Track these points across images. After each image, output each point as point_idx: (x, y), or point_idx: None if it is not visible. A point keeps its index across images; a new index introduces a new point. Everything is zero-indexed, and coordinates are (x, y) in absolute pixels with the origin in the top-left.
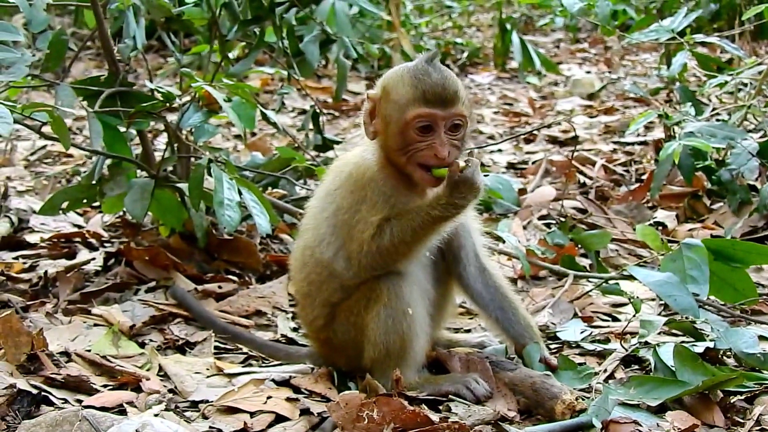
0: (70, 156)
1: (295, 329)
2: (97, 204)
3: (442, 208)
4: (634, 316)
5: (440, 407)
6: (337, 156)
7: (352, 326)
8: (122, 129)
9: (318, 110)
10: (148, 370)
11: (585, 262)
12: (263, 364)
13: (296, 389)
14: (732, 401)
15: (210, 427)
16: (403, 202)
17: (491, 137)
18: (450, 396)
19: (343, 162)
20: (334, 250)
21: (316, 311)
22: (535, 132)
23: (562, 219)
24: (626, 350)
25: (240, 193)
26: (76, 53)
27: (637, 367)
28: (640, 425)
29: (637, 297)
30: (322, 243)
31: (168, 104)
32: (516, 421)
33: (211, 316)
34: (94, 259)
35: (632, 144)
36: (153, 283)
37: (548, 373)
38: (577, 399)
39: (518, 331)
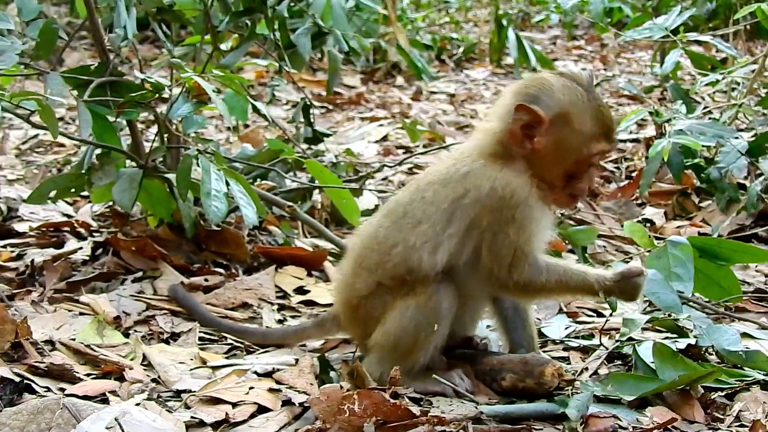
0: (62, 145)
1: (280, 321)
2: (86, 193)
3: (601, 287)
4: (610, 314)
5: (421, 401)
6: (328, 149)
7: (381, 304)
8: (112, 119)
9: (309, 103)
10: (132, 359)
11: (572, 257)
12: (246, 355)
13: (279, 381)
14: (712, 397)
15: (192, 417)
16: (546, 222)
17: None
18: (435, 395)
19: (473, 173)
20: (441, 257)
21: (367, 284)
22: None
23: None
24: (606, 349)
25: (228, 185)
26: (67, 42)
27: (620, 363)
28: (620, 420)
29: (614, 298)
30: (430, 248)
31: (158, 94)
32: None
33: (211, 315)
34: (81, 248)
35: (624, 141)
36: (140, 274)
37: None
38: (565, 370)
39: (520, 337)
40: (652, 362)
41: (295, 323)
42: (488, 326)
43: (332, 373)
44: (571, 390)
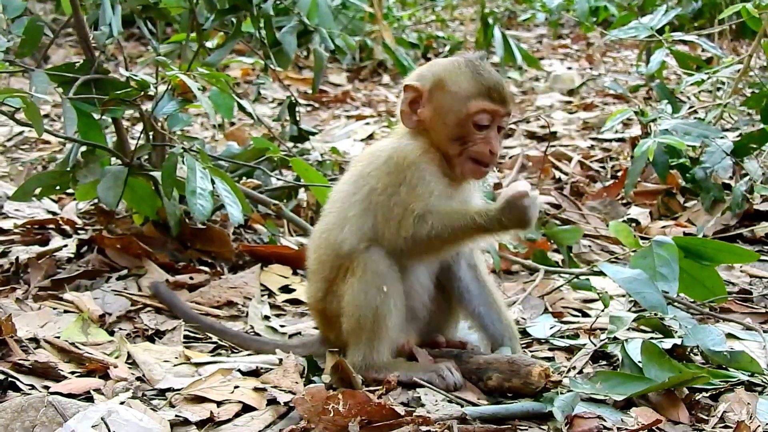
0: (47, 142)
1: (266, 317)
2: (71, 191)
3: (488, 220)
4: (602, 311)
5: (408, 402)
6: (314, 147)
7: (335, 297)
8: (97, 116)
9: (294, 101)
10: (116, 357)
11: (557, 257)
12: (231, 354)
13: (264, 381)
14: (697, 398)
15: (176, 415)
16: (442, 189)
17: None
18: (422, 383)
19: (377, 148)
20: (345, 232)
21: (317, 285)
22: (513, 126)
23: None
24: (595, 345)
25: (213, 183)
26: (52, 39)
27: (605, 362)
28: (604, 420)
29: (607, 293)
30: (344, 226)
31: (143, 92)
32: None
33: (192, 313)
34: (66, 246)
35: (609, 141)
36: (125, 272)
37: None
38: (552, 370)
39: (498, 329)
40: (639, 361)
41: (278, 336)
42: (470, 327)
43: (317, 376)
44: (558, 390)
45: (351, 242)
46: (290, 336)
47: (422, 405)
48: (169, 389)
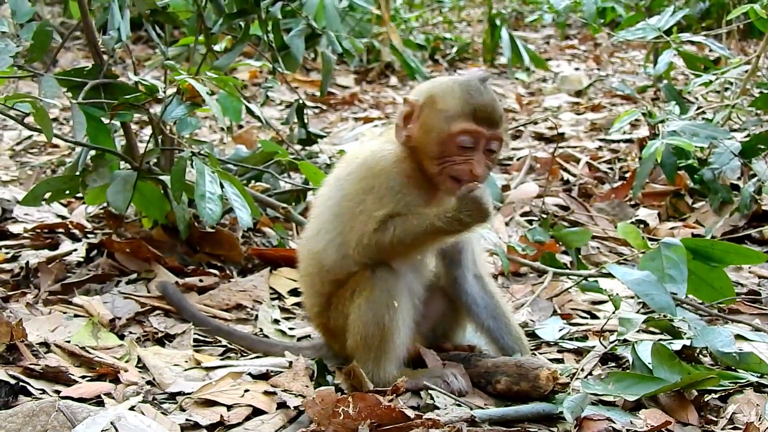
0: (56, 146)
1: (276, 320)
2: (80, 195)
3: (447, 221)
4: (613, 313)
5: (419, 404)
6: (322, 150)
7: (341, 314)
8: (106, 120)
9: (302, 104)
10: (126, 361)
11: (566, 259)
12: (241, 358)
13: (274, 384)
14: (706, 399)
15: (186, 419)
16: (410, 201)
17: None
18: (427, 390)
19: (357, 152)
20: (325, 242)
21: (313, 299)
22: (521, 128)
23: (544, 216)
24: (605, 347)
25: (222, 186)
26: (61, 44)
27: (614, 364)
28: (614, 422)
29: (618, 294)
30: (318, 234)
31: (152, 96)
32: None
33: (200, 315)
34: (76, 250)
35: (617, 142)
36: (134, 275)
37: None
38: (560, 373)
39: (508, 343)
40: (649, 363)
41: (286, 339)
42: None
43: (328, 377)
44: (568, 391)
45: (330, 255)
46: (299, 339)
47: (436, 407)
48: (179, 393)
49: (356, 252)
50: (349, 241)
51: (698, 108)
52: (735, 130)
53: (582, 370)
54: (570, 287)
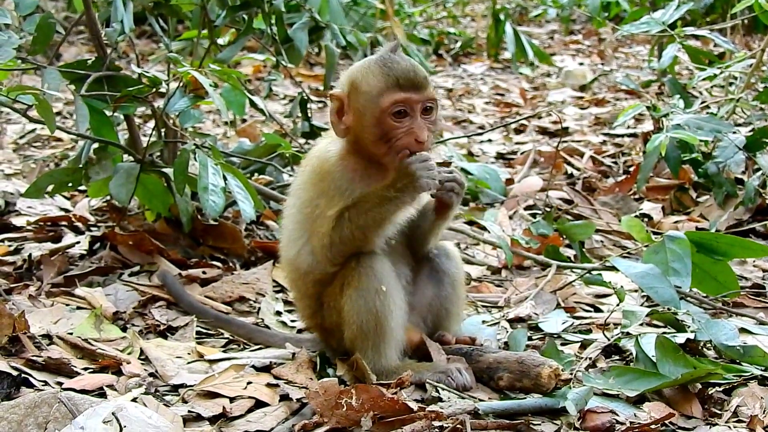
0: (60, 140)
1: (278, 312)
2: (83, 188)
3: (390, 190)
4: (617, 305)
5: (423, 396)
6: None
7: (333, 310)
8: (109, 113)
9: (306, 97)
10: (129, 353)
11: (569, 252)
12: (244, 350)
13: (276, 376)
14: (710, 392)
15: (189, 411)
16: (359, 194)
17: (481, 127)
18: (431, 385)
19: (308, 157)
20: (298, 248)
21: (303, 302)
22: (525, 122)
23: (548, 209)
24: (609, 339)
25: (225, 179)
26: (64, 37)
27: (617, 357)
28: (617, 415)
29: (622, 287)
30: (289, 241)
31: (155, 89)
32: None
33: (198, 305)
34: (79, 242)
35: (622, 136)
36: (137, 268)
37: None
38: (562, 369)
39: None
40: (653, 356)
41: (287, 330)
42: (484, 321)
43: (330, 369)
44: (571, 384)
45: (305, 259)
46: (299, 331)
47: (440, 400)
48: (181, 385)
49: (323, 254)
50: (314, 246)
51: (702, 102)
52: (739, 124)
53: (588, 359)
54: (574, 280)
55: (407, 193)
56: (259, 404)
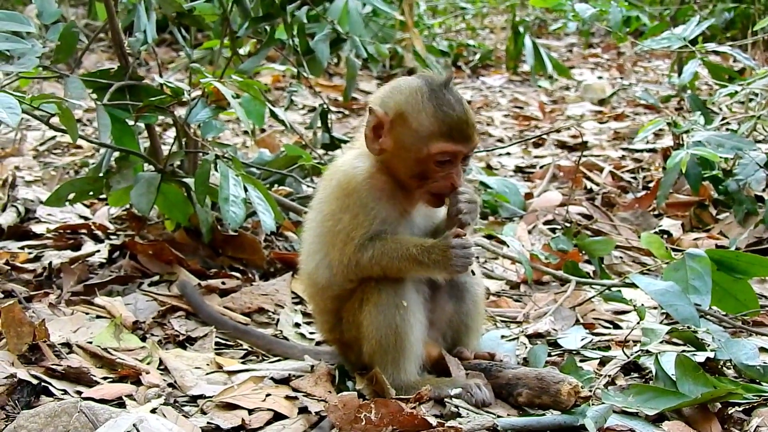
0: (79, 147)
1: (297, 324)
2: (103, 196)
3: (430, 260)
4: (638, 323)
5: (442, 412)
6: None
7: (352, 325)
8: (130, 122)
9: (327, 108)
10: (148, 363)
11: (589, 268)
12: (262, 361)
13: (295, 388)
14: (730, 412)
15: (208, 422)
16: (385, 216)
17: (500, 140)
18: (450, 400)
19: (333, 170)
20: (316, 262)
21: (322, 317)
22: (544, 136)
23: (567, 224)
24: (628, 357)
25: (245, 190)
26: (86, 45)
27: (637, 375)
28: None
29: (643, 305)
30: (309, 255)
31: (177, 99)
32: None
33: (217, 315)
34: (99, 251)
35: (641, 151)
36: (157, 277)
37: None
38: (582, 386)
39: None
40: (673, 374)
41: (306, 342)
42: (503, 337)
43: (349, 382)
44: (590, 401)
45: (323, 275)
46: (317, 343)
47: (459, 415)
48: (200, 396)
49: (340, 270)
50: (333, 259)
51: (723, 118)
52: (760, 142)
53: (607, 376)
54: (593, 297)
55: (437, 268)
56: (278, 416)
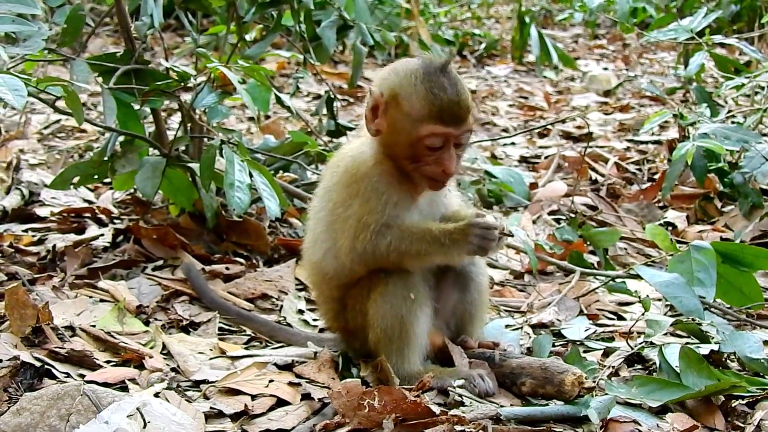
0: (84, 131)
1: (300, 310)
2: (108, 180)
3: (451, 241)
4: (642, 314)
5: (445, 401)
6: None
7: (358, 313)
8: (136, 106)
9: (332, 96)
10: (151, 348)
11: (593, 259)
12: (266, 347)
13: (298, 375)
14: (733, 405)
15: (211, 407)
16: (397, 200)
17: (505, 130)
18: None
19: (339, 157)
20: (323, 251)
21: (327, 305)
22: (549, 127)
23: (572, 215)
24: (632, 348)
25: (251, 176)
26: (93, 29)
27: (640, 366)
28: (640, 425)
29: (648, 296)
30: (315, 243)
31: (183, 83)
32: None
33: (221, 301)
34: (102, 235)
35: (646, 143)
36: (161, 262)
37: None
38: (585, 377)
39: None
40: (676, 366)
41: (309, 329)
42: (507, 326)
43: (353, 369)
44: (594, 392)
45: (330, 263)
46: (320, 330)
47: (462, 404)
48: (203, 381)
49: (349, 258)
50: (341, 246)
51: (729, 111)
52: (766, 134)
53: (610, 367)
54: (597, 287)
55: (454, 249)
56: (281, 402)
